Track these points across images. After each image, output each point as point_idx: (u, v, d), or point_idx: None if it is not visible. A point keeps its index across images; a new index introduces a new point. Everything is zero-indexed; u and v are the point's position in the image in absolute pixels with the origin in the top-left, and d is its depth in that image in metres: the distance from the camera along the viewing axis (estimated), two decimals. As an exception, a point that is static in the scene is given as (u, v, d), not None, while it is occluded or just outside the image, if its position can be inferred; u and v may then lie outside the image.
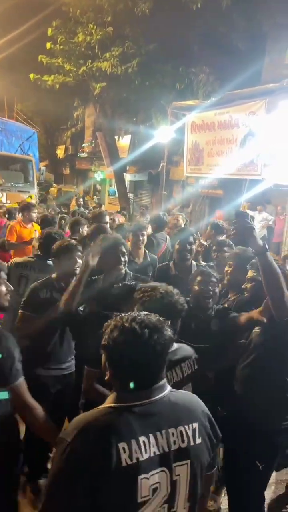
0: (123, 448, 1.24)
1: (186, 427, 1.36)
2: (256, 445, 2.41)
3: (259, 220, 10.16)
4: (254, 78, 9.86)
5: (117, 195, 17.56)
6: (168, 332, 1.38)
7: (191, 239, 3.62)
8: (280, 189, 7.39)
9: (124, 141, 18.53)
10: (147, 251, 4.40)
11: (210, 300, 2.72)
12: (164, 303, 1.88)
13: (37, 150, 15.67)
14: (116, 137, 17.25)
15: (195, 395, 1.54)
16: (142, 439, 1.27)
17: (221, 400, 2.60)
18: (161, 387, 1.37)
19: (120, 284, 2.68)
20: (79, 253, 2.95)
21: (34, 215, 5.79)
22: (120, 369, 1.35)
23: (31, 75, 12.67)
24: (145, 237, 4.34)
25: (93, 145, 21.58)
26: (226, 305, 3.03)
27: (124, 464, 1.23)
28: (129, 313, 1.42)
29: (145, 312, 1.43)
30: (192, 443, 1.36)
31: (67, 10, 12.43)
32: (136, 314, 1.39)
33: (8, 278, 3.77)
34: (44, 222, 5.13)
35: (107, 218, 4.91)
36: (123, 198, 16.26)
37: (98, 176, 21.53)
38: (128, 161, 16.58)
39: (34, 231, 5.63)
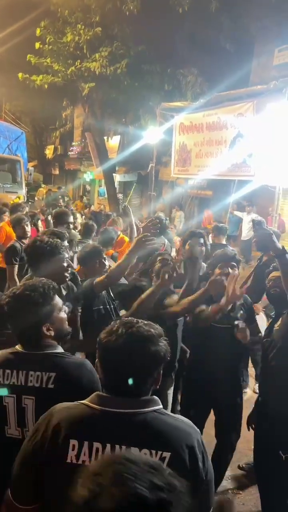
0: (73, 446, 1.25)
1: (154, 452, 1.25)
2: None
3: (248, 221, 10.22)
4: (242, 80, 9.94)
5: (106, 195, 17.54)
6: (158, 347, 1.33)
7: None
8: (270, 189, 7.45)
9: (113, 142, 18.50)
10: None
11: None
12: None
13: (26, 150, 15.56)
14: (105, 138, 17.22)
15: (187, 427, 1.36)
16: (96, 445, 1.25)
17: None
18: (140, 402, 1.32)
19: None
20: None
21: None
22: (101, 367, 1.37)
23: (20, 75, 12.56)
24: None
25: (82, 145, 21.50)
26: None
27: (68, 460, 1.24)
28: (130, 318, 1.41)
29: (146, 322, 1.39)
30: None
31: (56, 10, 12.37)
32: (133, 320, 1.39)
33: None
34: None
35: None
36: (112, 198, 16.23)
37: (88, 176, 21.46)
38: (117, 162, 16.57)
39: None
